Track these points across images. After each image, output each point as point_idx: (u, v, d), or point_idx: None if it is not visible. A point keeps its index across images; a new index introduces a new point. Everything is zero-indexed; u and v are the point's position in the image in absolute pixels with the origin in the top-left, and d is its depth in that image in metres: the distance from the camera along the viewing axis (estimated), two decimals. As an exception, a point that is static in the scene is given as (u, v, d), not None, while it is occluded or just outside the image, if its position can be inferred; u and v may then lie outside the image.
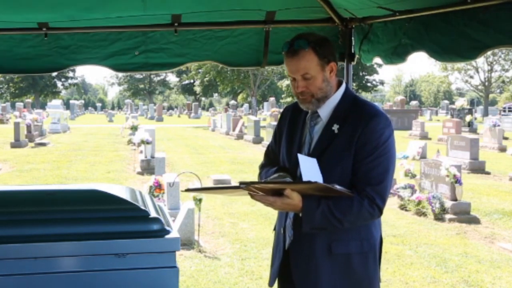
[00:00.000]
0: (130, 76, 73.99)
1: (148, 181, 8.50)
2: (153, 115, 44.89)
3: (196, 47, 3.52)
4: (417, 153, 14.37)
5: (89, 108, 75.30)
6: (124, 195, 2.40)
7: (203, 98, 69.71)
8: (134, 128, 18.71)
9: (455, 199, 8.19)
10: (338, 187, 2.03)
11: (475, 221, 7.95)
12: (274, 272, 2.40)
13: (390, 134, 2.18)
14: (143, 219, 2.24)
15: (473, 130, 26.32)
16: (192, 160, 15.52)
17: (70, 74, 70.74)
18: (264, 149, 2.57)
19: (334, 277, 2.19)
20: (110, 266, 2.16)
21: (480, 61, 53.23)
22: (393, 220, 7.95)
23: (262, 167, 2.49)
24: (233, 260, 5.99)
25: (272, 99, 46.20)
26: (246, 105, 50.87)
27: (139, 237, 2.19)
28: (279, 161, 2.39)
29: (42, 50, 3.46)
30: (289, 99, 43.18)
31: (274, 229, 2.48)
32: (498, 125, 19.60)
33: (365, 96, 59.51)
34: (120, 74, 69.25)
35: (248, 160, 15.12)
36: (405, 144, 16.28)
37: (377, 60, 3.30)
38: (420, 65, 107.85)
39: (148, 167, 12.67)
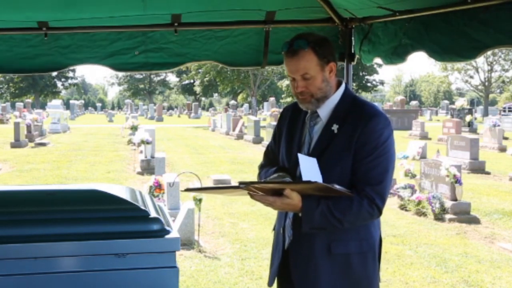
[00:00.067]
0: (130, 76, 74.02)
1: (148, 181, 8.50)
2: (153, 115, 44.89)
3: (196, 47, 3.52)
4: (417, 153, 14.37)
5: (89, 108, 75.31)
6: (124, 195, 2.40)
7: (203, 98, 69.72)
8: (134, 128, 18.72)
9: (455, 199, 8.19)
10: (337, 187, 2.03)
11: (475, 221, 7.95)
12: (273, 272, 2.40)
13: (390, 134, 2.18)
14: (143, 219, 2.24)
15: (473, 130, 26.32)
16: (192, 160, 15.52)
17: (70, 74, 70.80)
18: (264, 149, 2.58)
19: (333, 277, 2.19)
20: (110, 266, 2.16)
21: (480, 61, 53.31)
22: (393, 220, 7.95)
23: (262, 167, 2.49)
24: (233, 260, 5.99)
25: (272, 99, 46.20)
26: (246, 105, 50.88)
27: (139, 237, 2.19)
28: (278, 161, 2.39)
29: (42, 49, 3.46)
30: (289, 99, 43.17)
31: (274, 229, 2.48)
32: (498, 125, 19.61)
33: (365, 96, 59.53)
34: (120, 74, 69.39)
35: (248, 160, 15.12)
36: (405, 144, 16.28)
37: (377, 60, 3.31)
38: (420, 65, 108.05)
39: (148, 167, 12.67)
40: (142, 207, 2.29)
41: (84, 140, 21.69)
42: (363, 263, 2.22)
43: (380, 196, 2.13)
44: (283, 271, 2.33)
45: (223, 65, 3.68)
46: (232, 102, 52.91)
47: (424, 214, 8.19)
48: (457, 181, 8.16)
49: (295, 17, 3.40)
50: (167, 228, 2.26)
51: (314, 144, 2.24)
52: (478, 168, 13.19)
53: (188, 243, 6.33)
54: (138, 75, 72.03)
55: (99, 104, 76.73)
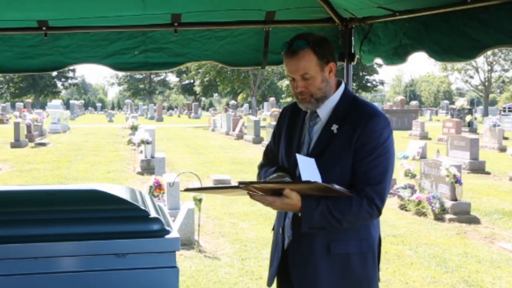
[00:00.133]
0: (130, 76, 74.04)
1: (148, 181, 8.50)
2: (153, 115, 44.90)
3: (196, 47, 3.52)
4: (417, 153, 14.36)
5: (89, 108, 75.30)
6: (124, 195, 2.40)
7: (203, 98, 69.72)
8: (134, 128, 18.72)
9: (455, 199, 8.19)
10: (337, 187, 2.03)
11: (475, 221, 7.95)
12: (272, 272, 2.39)
13: (389, 135, 2.18)
14: (143, 219, 2.24)
15: (473, 130, 26.32)
16: (192, 160, 15.53)
17: (70, 74, 70.81)
18: (264, 149, 2.58)
19: (333, 277, 2.19)
20: (110, 266, 2.16)
21: (480, 61, 53.29)
22: (393, 220, 7.95)
23: (261, 167, 2.49)
24: (233, 260, 5.99)
25: (272, 99, 46.20)
26: (246, 105, 50.88)
27: (139, 237, 2.19)
28: (278, 161, 2.39)
29: (42, 49, 3.46)
30: (289, 99, 43.17)
31: (273, 229, 2.48)
32: (498, 125, 19.61)
33: (365, 96, 59.56)
34: (120, 74, 69.48)
35: (248, 160, 15.12)
36: (405, 144, 16.28)
37: (378, 60, 3.31)
38: (420, 65, 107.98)
39: (148, 167, 12.67)
40: (142, 207, 2.29)
41: (84, 140, 21.69)
42: (362, 263, 2.22)
43: (379, 196, 2.13)
44: (282, 271, 2.33)
45: (223, 65, 3.68)
46: (232, 102, 52.92)
47: (424, 214, 8.19)
48: (457, 181, 8.16)
49: (295, 17, 3.40)
50: (167, 228, 2.26)
51: (313, 144, 2.24)
52: (478, 168, 13.19)
53: (188, 243, 6.33)
54: (138, 75, 72.08)
55: (99, 104, 76.73)
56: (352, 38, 3.40)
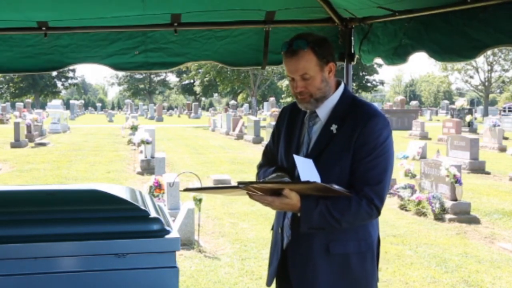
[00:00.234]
0: (130, 76, 74.04)
1: (148, 181, 8.50)
2: (153, 115, 44.90)
3: (196, 47, 3.52)
4: (417, 153, 14.36)
5: (89, 108, 75.30)
6: (124, 195, 2.40)
7: (203, 98, 69.73)
8: (134, 128, 18.72)
9: (455, 199, 8.19)
10: (336, 187, 2.03)
11: (475, 221, 7.95)
12: (272, 272, 2.39)
13: (389, 135, 2.18)
14: (143, 219, 2.24)
15: (473, 130, 26.32)
16: (192, 160, 15.53)
17: (70, 74, 70.81)
18: (263, 149, 2.58)
19: (332, 277, 2.19)
20: (110, 266, 2.16)
21: (480, 61, 53.30)
22: (393, 220, 7.95)
23: (260, 166, 2.49)
24: (233, 260, 6.00)
25: (272, 99, 46.20)
26: (246, 105, 50.88)
27: (139, 237, 2.19)
28: (277, 161, 2.39)
29: (42, 49, 3.46)
30: (289, 99, 43.18)
31: (272, 229, 2.48)
32: (498, 125, 19.61)
33: (365, 96, 59.61)
34: (120, 74, 69.51)
35: (248, 160, 15.11)
36: (405, 144, 16.28)
37: (378, 60, 3.31)
38: (420, 65, 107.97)
39: (148, 167, 12.67)
40: (142, 207, 2.29)
41: (84, 140, 21.69)
42: (361, 263, 2.22)
43: (378, 196, 2.13)
44: (281, 271, 2.33)
45: (223, 65, 3.69)
46: (232, 102, 52.92)
47: (424, 214, 8.19)
48: (457, 181, 8.17)
49: (295, 17, 3.40)
50: (167, 228, 2.26)
51: (313, 144, 2.24)
52: (478, 168, 13.19)
53: (188, 243, 6.33)
54: (138, 75, 72.07)
55: (99, 104, 76.73)
56: (352, 38, 3.40)
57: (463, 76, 54.11)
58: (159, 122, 39.56)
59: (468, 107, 31.82)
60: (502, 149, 18.18)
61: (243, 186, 2.00)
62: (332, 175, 2.12)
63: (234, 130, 24.67)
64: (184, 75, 63.69)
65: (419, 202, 8.34)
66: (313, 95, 2.20)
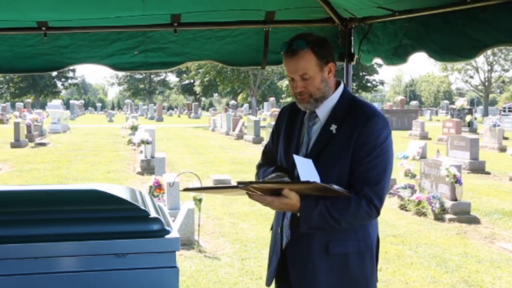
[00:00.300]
0: (130, 76, 74.03)
1: (148, 181, 8.50)
2: (153, 115, 44.90)
3: (196, 47, 3.52)
4: (417, 153, 14.36)
5: (89, 108, 75.31)
6: (124, 195, 2.40)
7: (203, 98, 69.73)
8: (134, 128, 18.72)
9: (455, 199, 8.19)
10: (336, 187, 2.04)
11: (475, 221, 7.95)
12: (271, 272, 2.40)
13: (388, 135, 2.18)
14: (143, 219, 2.24)
15: (473, 130, 26.32)
16: (192, 160, 15.53)
17: (70, 74, 70.80)
18: (263, 148, 2.58)
19: (331, 277, 2.20)
20: (110, 266, 2.16)
21: (480, 61, 53.29)
22: (393, 220, 7.95)
23: (260, 166, 2.49)
24: (233, 260, 6.00)
25: (272, 99, 46.21)
26: (246, 105, 50.88)
27: (139, 237, 2.19)
28: (276, 160, 2.39)
29: (42, 49, 3.46)
30: (289, 99, 43.16)
31: (271, 228, 2.48)
32: (498, 125, 19.61)
33: (365, 96, 59.62)
34: (120, 74, 69.46)
35: (248, 160, 15.11)
36: (405, 144, 16.28)
37: (377, 60, 3.31)
38: (420, 65, 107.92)
39: (148, 167, 12.67)
40: (142, 207, 2.29)
41: (84, 140, 21.69)
42: (361, 263, 2.22)
43: (378, 196, 2.13)
44: (281, 271, 2.33)
45: (223, 65, 3.69)
46: (232, 102, 52.92)
47: (424, 214, 8.19)
48: (457, 181, 8.17)
49: (295, 17, 3.40)
50: (167, 228, 2.26)
51: (312, 144, 2.24)
52: (478, 168, 13.19)
53: (188, 243, 6.33)
54: (138, 75, 72.06)
55: (99, 104, 76.73)
56: (352, 38, 3.40)
57: (463, 76, 54.16)
58: (159, 122, 39.56)
59: (468, 107, 31.82)
60: (502, 149, 18.18)
61: (243, 186, 2.00)
62: (331, 175, 2.13)
63: (234, 130, 24.67)
64: (184, 75, 63.71)
65: (419, 202, 8.34)
66: (313, 95, 2.20)
